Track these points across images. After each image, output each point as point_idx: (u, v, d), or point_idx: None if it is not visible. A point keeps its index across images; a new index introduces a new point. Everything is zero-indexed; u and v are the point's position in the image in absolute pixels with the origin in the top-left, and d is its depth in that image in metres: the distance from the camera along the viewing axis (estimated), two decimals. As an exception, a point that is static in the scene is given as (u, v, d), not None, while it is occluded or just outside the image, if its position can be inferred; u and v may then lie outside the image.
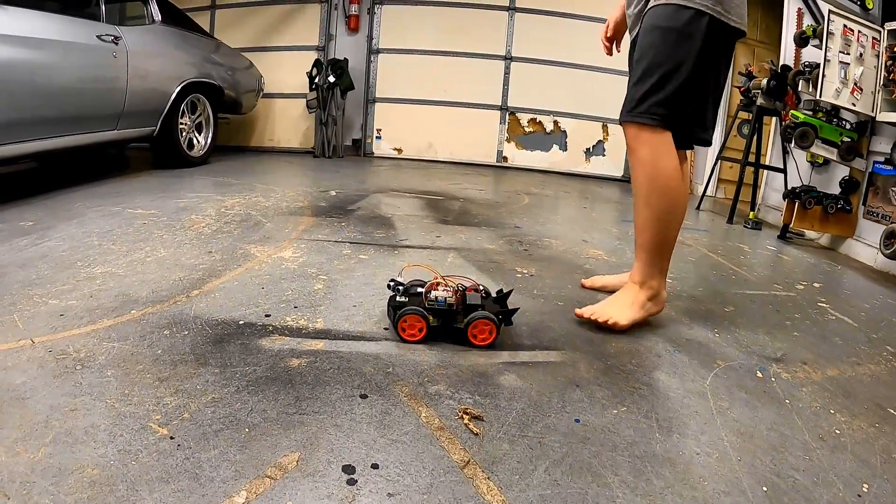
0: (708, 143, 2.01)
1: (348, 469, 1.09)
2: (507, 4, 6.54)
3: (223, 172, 4.72)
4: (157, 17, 4.50)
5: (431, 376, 1.49)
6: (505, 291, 1.91)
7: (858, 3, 3.95)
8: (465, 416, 1.29)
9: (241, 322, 1.74)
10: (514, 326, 1.85)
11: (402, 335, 1.69)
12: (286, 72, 6.48)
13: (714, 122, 1.97)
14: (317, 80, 6.11)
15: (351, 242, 2.73)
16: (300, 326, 1.74)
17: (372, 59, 6.62)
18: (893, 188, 3.76)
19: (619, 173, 6.74)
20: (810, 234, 4.47)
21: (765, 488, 1.19)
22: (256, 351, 1.56)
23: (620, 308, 1.95)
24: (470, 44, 6.59)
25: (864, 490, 1.24)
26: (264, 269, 2.24)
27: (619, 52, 2.31)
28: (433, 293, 1.72)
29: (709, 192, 5.62)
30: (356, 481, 1.06)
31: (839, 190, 4.20)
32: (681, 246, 3.57)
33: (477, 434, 1.24)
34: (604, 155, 6.75)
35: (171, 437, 1.15)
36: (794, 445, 1.39)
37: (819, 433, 1.47)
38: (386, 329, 1.77)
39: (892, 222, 3.46)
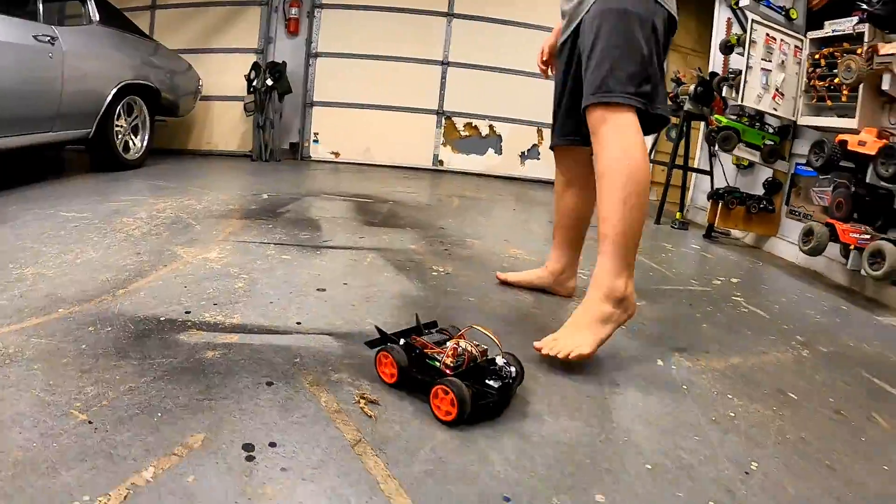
0: (667, 121, 1.97)
1: (248, 447, 1.21)
2: (446, 10, 6.70)
3: (159, 176, 4.74)
4: (96, 17, 4.49)
5: (336, 366, 1.62)
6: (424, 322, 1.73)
7: (784, 13, 4.21)
8: (361, 400, 1.43)
9: (162, 318, 1.84)
10: (427, 317, 1.95)
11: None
12: (225, 74, 6.50)
13: (665, 99, 1.96)
14: (255, 84, 6.16)
15: (276, 244, 2.84)
16: (217, 322, 1.85)
17: (310, 62, 6.68)
18: (814, 188, 4.02)
19: (553, 176, 6.96)
20: (736, 233, 4.73)
21: (648, 466, 1.30)
22: (174, 344, 1.66)
23: (581, 332, 1.75)
24: (408, 49, 6.72)
25: (753, 468, 1.34)
26: (188, 270, 2.34)
27: (550, 76, 2.39)
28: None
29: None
30: (254, 458, 1.18)
31: (763, 191, 4.46)
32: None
33: (371, 416, 1.38)
34: (538, 159, 6.98)
35: (90, 422, 1.26)
36: (685, 427, 1.50)
37: (712, 416, 1.58)
38: (298, 323, 1.90)
39: (813, 221, 3.68)
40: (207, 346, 1.67)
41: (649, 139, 2.56)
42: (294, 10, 6.56)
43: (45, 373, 1.45)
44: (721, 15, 5.40)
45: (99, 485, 1.06)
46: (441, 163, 6.94)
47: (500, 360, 1.48)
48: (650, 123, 1.93)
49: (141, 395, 1.38)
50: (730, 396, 1.72)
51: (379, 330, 1.62)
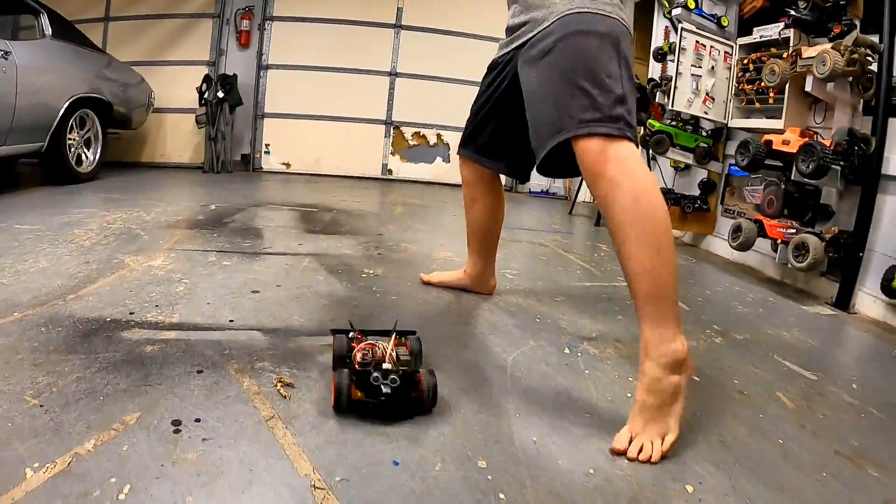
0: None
1: (176, 423, 1.44)
2: (394, 22, 6.97)
3: (111, 188, 4.92)
4: (48, 31, 4.65)
5: (260, 355, 1.85)
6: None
7: (716, 21, 4.52)
8: (279, 384, 1.66)
9: (108, 319, 2.05)
10: (350, 314, 2.23)
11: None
12: (177, 87, 6.70)
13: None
14: (206, 96, 6.35)
15: (218, 251, 3.05)
16: (158, 321, 2.06)
17: (261, 74, 6.90)
18: (747, 187, 4.26)
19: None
20: (676, 233, 4.95)
21: (534, 439, 1.50)
22: (118, 341, 1.88)
23: (659, 420, 1.49)
24: (357, 60, 6.99)
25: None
26: (134, 276, 2.54)
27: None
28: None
29: (587, 200, 6.17)
30: (180, 431, 1.41)
31: (699, 191, 4.72)
32: (535, 246, 4.03)
33: (285, 397, 1.61)
34: (486, 166, 7.25)
35: (41, 405, 1.47)
36: (578, 406, 1.69)
37: (609, 396, 1.76)
38: (231, 321, 2.12)
39: (746, 218, 3.90)
40: (147, 342, 1.88)
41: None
42: (245, 23, 6.78)
43: (1, 367, 1.65)
44: (659, 23, 5.71)
45: (47, 454, 1.28)
46: (390, 172, 7.19)
47: (388, 367, 1.57)
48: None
49: (87, 383, 1.59)
50: (630, 379, 1.87)
51: (350, 324, 1.85)
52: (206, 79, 6.43)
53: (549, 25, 1.71)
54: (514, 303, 2.65)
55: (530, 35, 1.78)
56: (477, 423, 1.58)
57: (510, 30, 1.95)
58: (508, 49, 1.95)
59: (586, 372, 1.96)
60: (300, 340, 1.99)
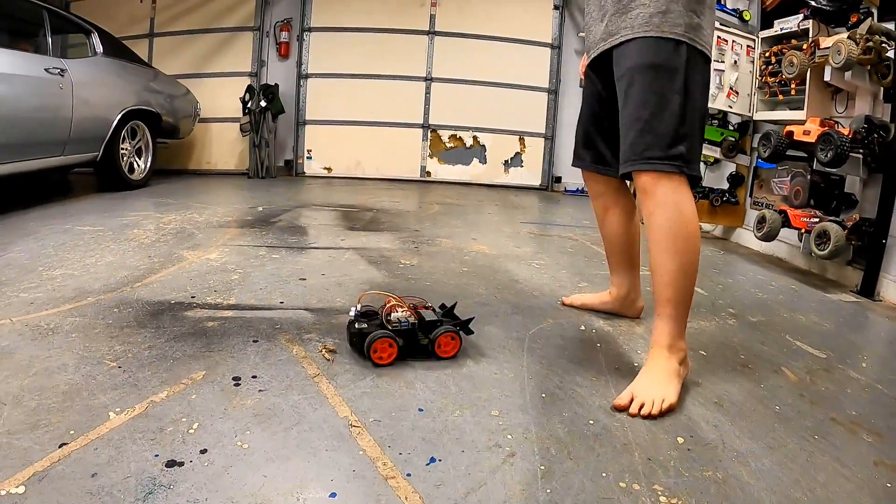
0: (699, 181, 1.87)
1: (236, 379, 1.68)
2: (427, 29, 7.22)
3: (162, 194, 5.25)
4: (100, 49, 5.01)
5: (308, 329, 2.09)
6: (449, 306, 2.05)
7: (737, 15, 4.59)
8: (323, 350, 1.89)
9: (172, 302, 2.31)
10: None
11: (373, 359, 1.80)
12: (221, 97, 7.04)
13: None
14: (249, 105, 6.67)
15: (267, 246, 3.32)
16: (217, 303, 2.32)
17: (301, 83, 7.21)
18: (774, 179, 4.25)
19: (536, 182, 7.49)
20: (706, 226, 5.02)
21: (543, 395, 1.69)
22: (182, 318, 2.13)
23: (663, 385, 1.71)
24: (393, 67, 7.25)
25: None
26: (193, 267, 2.81)
27: None
28: (394, 315, 1.85)
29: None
30: (240, 384, 1.65)
31: (727, 185, 4.77)
32: (564, 240, 4.19)
33: (329, 360, 1.84)
34: (521, 166, 7.48)
35: (119, 367, 1.72)
36: (588, 371, 1.87)
37: (616, 365, 1.93)
38: (281, 303, 2.36)
39: (771, 209, 3.94)
40: (209, 319, 2.14)
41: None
42: (285, 35, 7.09)
43: (82, 339, 1.92)
44: None
45: (128, 402, 1.53)
46: (428, 174, 7.42)
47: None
48: None
49: (157, 350, 1.85)
50: (639, 352, 2.05)
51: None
52: (249, 89, 6.75)
53: (626, 41, 1.81)
54: (537, 287, 2.84)
55: (609, 47, 1.87)
56: (494, 381, 1.78)
57: (591, 33, 2.00)
58: (593, 56, 2.00)
59: (598, 345, 2.14)
60: (342, 318, 2.22)
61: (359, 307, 1.93)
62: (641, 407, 1.63)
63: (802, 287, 3.37)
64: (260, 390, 1.62)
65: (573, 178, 7.49)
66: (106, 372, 1.69)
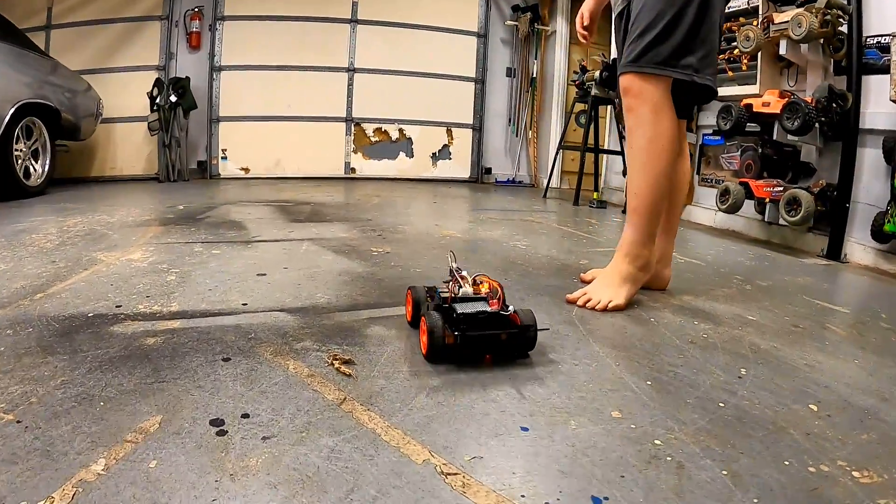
0: (714, 93, 1.82)
1: (217, 422, 0.99)
2: (349, 17, 6.40)
3: (64, 200, 4.26)
4: (-12, 31, 3.98)
5: (296, 336, 1.41)
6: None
7: None
8: (335, 361, 1.22)
9: (90, 314, 1.56)
10: (379, 287, 1.84)
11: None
12: (126, 94, 5.91)
13: (715, 69, 1.81)
14: (158, 101, 5.70)
15: (202, 242, 2.56)
16: (154, 311, 1.58)
17: (214, 76, 6.17)
18: (723, 155, 4.07)
19: (466, 174, 6.86)
20: None
21: (648, 382, 1.26)
22: (108, 336, 1.40)
23: (613, 287, 1.79)
24: (313, 57, 6.35)
25: (743, 373, 1.34)
26: (112, 270, 2.04)
27: (593, 41, 2.19)
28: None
29: (553, 184, 5.84)
30: (226, 431, 0.96)
31: None
32: (529, 223, 3.72)
33: (350, 375, 1.18)
34: (450, 158, 6.83)
35: (18, 421, 1.00)
36: (668, 349, 1.48)
37: (689, 338, 1.57)
38: (244, 304, 1.65)
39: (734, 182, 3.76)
40: (147, 334, 1.41)
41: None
42: (195, 24, 6.07)
43: (-46, 379, 1.15)
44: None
45: (38, 488, 0.82)
46: (353, 170, 6.63)
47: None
48: (696, 95, 1.83)
49: (76, 387, 1.12)
50: (696, 322, 1.73)
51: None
52: (158, 83, 5.76)
53: None
54: (541, 266, 2.34)
55: None
56: (580, 375, 1.25)
57: None
58: (622, 5, 1.89)
59: (652, 321, 1.70)
60: (336, 317, 1.56)
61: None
62: (588, 301, 1.76)
63: (777, 255, 3.19)
64: (264, 438, 0.94)
65: (503, 168, 6.99)
66: (-6, 432, 0.96)
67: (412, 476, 0.86)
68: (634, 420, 1.09)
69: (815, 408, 1.19)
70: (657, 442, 1.01)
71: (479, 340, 1.25)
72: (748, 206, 3.66)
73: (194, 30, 6.06)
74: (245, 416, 1.01)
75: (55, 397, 1.08)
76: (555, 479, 0.89)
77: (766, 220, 3.60)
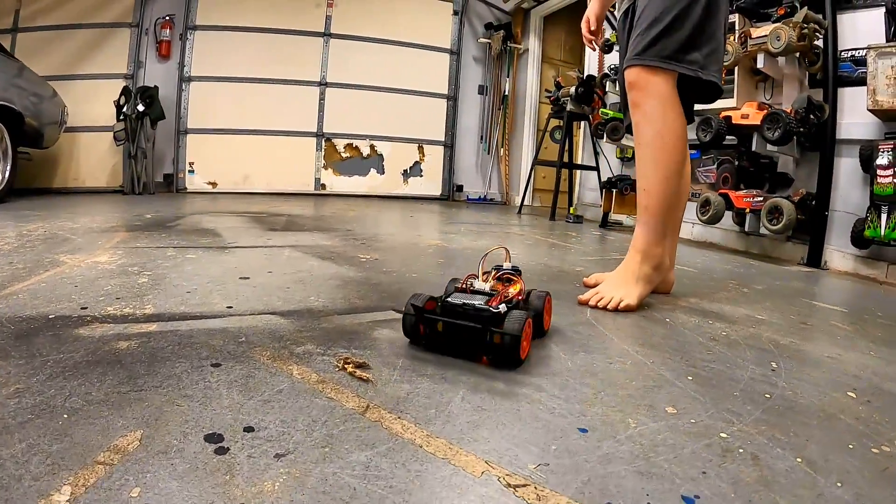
0: (719, 90, 1.77)
1: (214, 438, 0.78)
2: (323, 31, 6.16)
3: (24, 208, 3.93)
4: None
5: (295, 339, 1.20)
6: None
7: None
8: (347, 365, 1.02)
9: (51, 316, 1.32)
10: (376, 291, 1.65)
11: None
12: (92, 103, 5.53)
13: (720, 68, 1.76)
14: (125, 110, 5.38)
15: (174, 247, 2.31)
16: (125, 314, 1.35)
17: (183, 87, 5.84)
18: (699, 169, 4.02)
19: (437, 192, 6.66)
20: (628, 221, 4.69)
21: (689, 378, 1.17)
22: (72, 339, 1.17)
23: (625, 286, 1.70)
24: (285, 70, 6.06)
25: (774, 367, 1.29)
26: (77, 272, 1.79)
27: (598, 47, 2.12)
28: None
29: (525, 202, 5.70)
30: (228, 449, 0.75)
31: None
32: (511, 235, 3.58)
33: (368, 380, 0.98)
34: (421, 175, 6.62)
35: (-39, 440, 0.77)
36: (694, 346, 1.40)
37: (710, 336, 1.50)
38: (229, 307, 1.44)
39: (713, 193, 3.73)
40: (119, 338, 1.18)
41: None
42: (166, 32, 5.74)
43: None
44: None
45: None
46: (324, 186, 6.35)
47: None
48: (701, 92, 1.78)
49: (33, 397, 0.90)
50: (710, 322, 1.65)
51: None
52: (125, 91, 5.42)
53: None
54: (539, 272, 2.19)
55: None
56: (621, 372, 1.17)
57: None
58: (628, 3, 1.87)
59: (668, 321, 1.56)
60: (336, 320, 1.36)
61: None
62: (600, 300, 1.66)
63: (760, 263, 3.14)
64: (277, 455, 0.74)
65: (474, 186, 6.83)
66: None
67: (475, 491, 0.68)
68: (691, 415, 0.99)
69: (853, 395, 1.16)
70: (723, 435, 0.92)
71: (447, 327, 1.13)
72: (726, 218, 3.61)
73: (164, 38, 5.76)
74: (249, 429, 0.80)
75: (7, 408, 0.85)
76: (636, 481, 0.75)
77: (745, 230, 3.56)
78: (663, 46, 1.63)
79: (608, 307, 1.63)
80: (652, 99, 1.66)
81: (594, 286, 1.95)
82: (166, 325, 1.27)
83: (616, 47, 4.56)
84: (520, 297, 1.26)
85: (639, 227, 1.76)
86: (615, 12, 2.01)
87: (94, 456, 0.74)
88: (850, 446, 0.92)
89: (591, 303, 1.66)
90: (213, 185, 6.10)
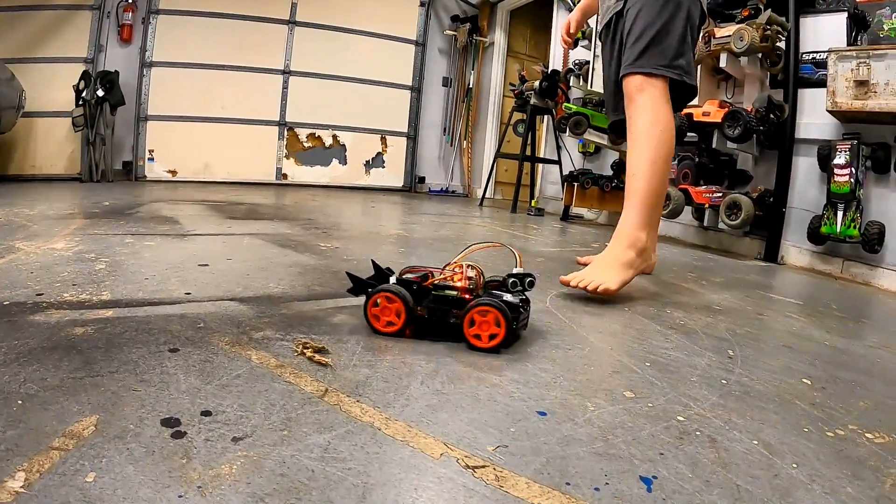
0: (694, 93, 1.97)
1: (171, 422, 0.78)
2: (288, 18, 6.03)
3: (-26, 192, 3.82)
4: None
5: (253, 325, 1.20)
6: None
7: None
8: (306, 350, 1.03)
9: (6, 303, 1.29)
10: (336, 279, 1.65)
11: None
12: (50, 88, 5.33)
13: (695, 73, 1.98)
14: (84, 95, 5.23)
15: (133, 234, 2.27)
16: (82, 300, 1.33)
17: (145, 72, 5.68)
18: None
19: (399, 183, 6.62)
20: (588, 215, 4.78)
21: (647, 364, 1.20)
22: (27, 326, 1.14)
23: (608, 271, 1.73)
24: (248, 57, 5.92)
25: (731, 354, 1.33)
26: (32, 259, 1.75)
27: (574, 48, 2.22)
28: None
29: (487, 195, 5.72)
30: (185, 433, 0.75)
31: (612, 172, 4.49)
32: (475, 227, 3.58)
33: (327, 364, 0.99)
34: (383, 167, 6.57)
35: None
36: (653, 335, 1.44)
37: (669, 324, 1.55)
38: (188, 294, 1.42)
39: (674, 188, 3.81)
40: (74, 324, 1.17)
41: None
42: (128, 16, 5.56)
43: None
44: (560, 17, 5.46)
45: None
46: (285, 176, 6.25)
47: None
48: (681, 96, 1.95)
49: (-14, 383, 0.87)
50: (669, 311, 1.70)
51: (353, 277, 1.24)
52: (85, 76, 5.27)
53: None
54: (502, 259, 2.17)
55: (622, 7, 1.95)
56: (576, 358, 1.14)
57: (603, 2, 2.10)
58: (610, 14, 2.03)
59: (626, 309, 1.57)
60: (296, 306, 1.36)
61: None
62: (581, 282, 1.68)
63: (718, 257, 3.24)
64: (235, 439, 0.74)
65: (436, 178, 6.83)
66: None
67: (434, 472, 0.69)
68: (649, 399, 1.02)
69: (808, 382, 1.20)
70: (680, 418, 0.95)
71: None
72: (685, 213, 3.69)
73: (126, 22, 5.58)
74: (206, 413, 0.80)
75: (-44, 396, 0.84)
76: (595, 462, 0.77)
77: (704, 225, 3.64)
78: (659, 55, 1.81)
79: (587, 289, 1.67)
80: (647, 95, 1.81)
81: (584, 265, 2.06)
82: (123, 312, 1.26)
83: (581, 43, 4.62)
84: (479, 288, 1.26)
85: (625, 212, 1.83)
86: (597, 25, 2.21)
87: (49, 441, 0.73)
88: (806, 430, 0.95)
89: (573, 284, 1.69)
90: (173, 173, 5.97)
